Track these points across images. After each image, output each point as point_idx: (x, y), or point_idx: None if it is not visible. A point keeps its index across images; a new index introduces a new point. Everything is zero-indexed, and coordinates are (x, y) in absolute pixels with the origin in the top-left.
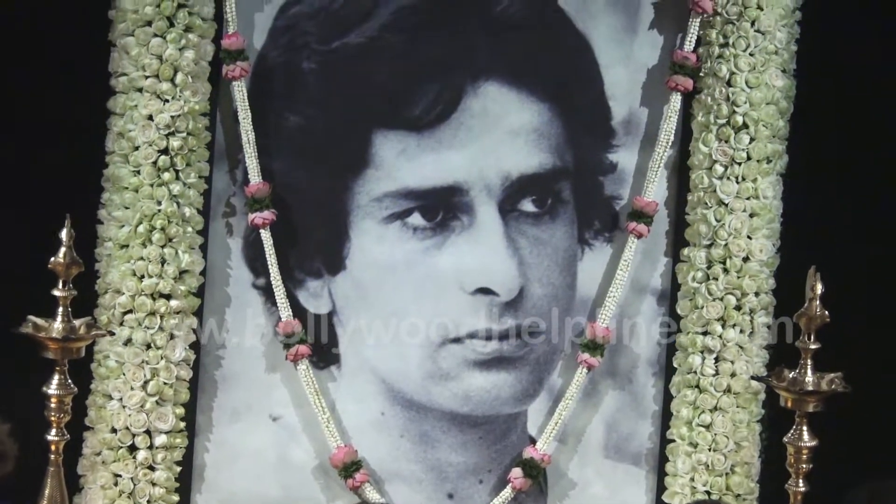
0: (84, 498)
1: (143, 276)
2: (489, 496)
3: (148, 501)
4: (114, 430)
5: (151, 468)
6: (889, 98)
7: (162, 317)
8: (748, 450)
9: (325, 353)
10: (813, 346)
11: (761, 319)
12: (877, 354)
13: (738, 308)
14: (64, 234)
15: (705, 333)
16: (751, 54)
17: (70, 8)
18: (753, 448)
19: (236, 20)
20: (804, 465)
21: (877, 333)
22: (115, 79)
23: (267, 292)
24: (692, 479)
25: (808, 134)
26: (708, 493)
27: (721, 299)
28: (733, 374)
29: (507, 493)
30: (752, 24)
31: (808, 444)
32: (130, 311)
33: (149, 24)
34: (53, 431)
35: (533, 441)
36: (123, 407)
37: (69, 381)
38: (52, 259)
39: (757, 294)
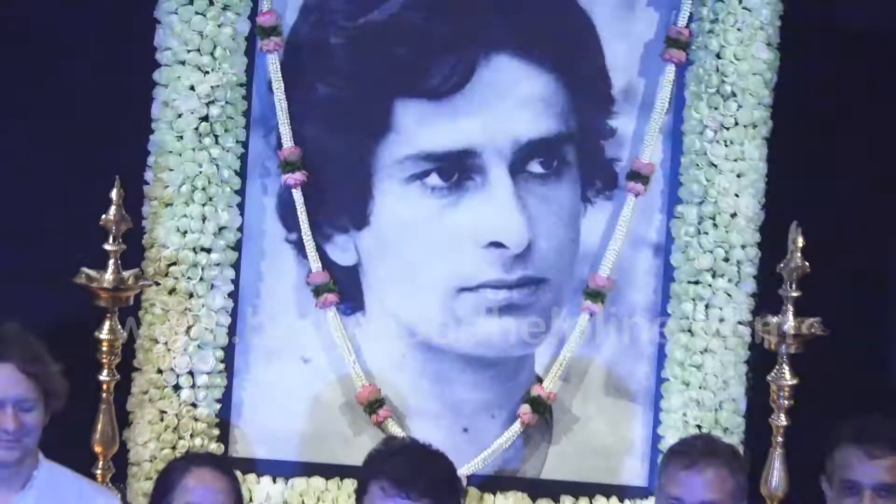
0: (133, 432)
1: (185, 232)
2: (500, 430)
3: (191, 435)
4: (160, 371)
5: (194, 405)
6: (863, 70)
7: (203, 268)
8: (735, 387)
9: (351, 301)
10: (794, 294)
11: (747, 270)
12: (852, 301)
13: (726, 260)
14: (114, 194)
15: (697, 283)
16: (738, 29)
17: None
18: (740, 386)
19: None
20: (786, 402)
21: (852, 283)
22: (161, 53)
23: (298, 246)
24: (684, 415)
25: (790, 102)
26: (699, 426)
27: (711, 252)
28: (722, 320)
29: (516, 427)
30: (740, 1)
31: (790, 383)
32: (174, 264)
33: (191, 2)
34: (105, 372)
35: (540, 380)
36: (168, 350)
37: (119, 326)
38: (104, 216)
39: (743, 247)
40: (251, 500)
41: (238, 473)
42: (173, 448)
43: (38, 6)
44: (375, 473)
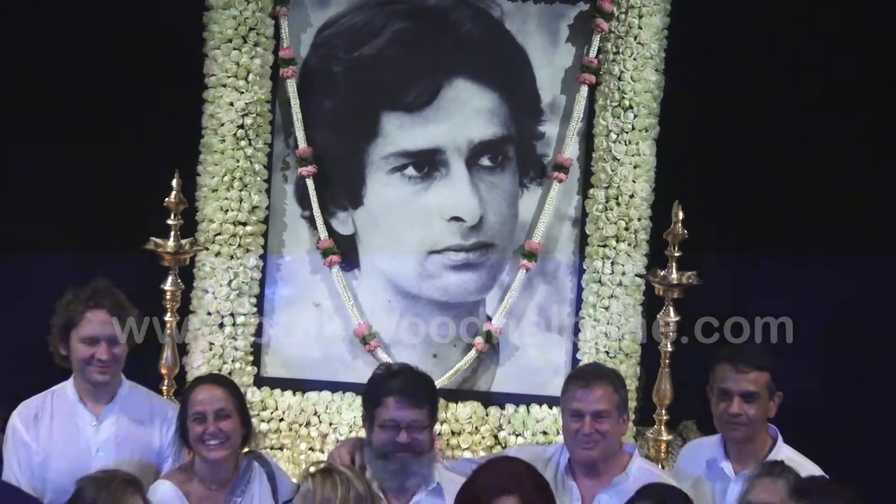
0: (189, 359)
1: (227, 210)
2: (460, 356)
3: (232, 360)
4: (209, 314)
5: (234, 338)
6: (728, 87)
7: (240, 237)
8: (634, 323)
9: (349, 261)
10: (676, 254)
11: (642, 237)
12: (720, 259)
13: (626, 229)
14: (175, 183)
15: (604, 246)
16: (634, 59)
17: (177, 32)
18: (637, 322)
19: (289, 38)
20: (671, 334)
21: (719, 245)
22: (208, 78)
23: (310, 221)
24: (596, 344)
25: (673, 112)
26: (606, 352)
27: (615, 223)
28: (623, 273)
29: (472, 353)
30: (635, 38)
31: (673, 319)
32: (219, 234)
33: (230, 41)
34: (169, 315)
35: (489, 319)
36: (215, 298)
37: (179, 280)
38: (167, 199)
39: (639, 220)
40: (276, 408)
41: (267, 389)
42: (219, 370)
43: (120, 43)
44: (387, 390)
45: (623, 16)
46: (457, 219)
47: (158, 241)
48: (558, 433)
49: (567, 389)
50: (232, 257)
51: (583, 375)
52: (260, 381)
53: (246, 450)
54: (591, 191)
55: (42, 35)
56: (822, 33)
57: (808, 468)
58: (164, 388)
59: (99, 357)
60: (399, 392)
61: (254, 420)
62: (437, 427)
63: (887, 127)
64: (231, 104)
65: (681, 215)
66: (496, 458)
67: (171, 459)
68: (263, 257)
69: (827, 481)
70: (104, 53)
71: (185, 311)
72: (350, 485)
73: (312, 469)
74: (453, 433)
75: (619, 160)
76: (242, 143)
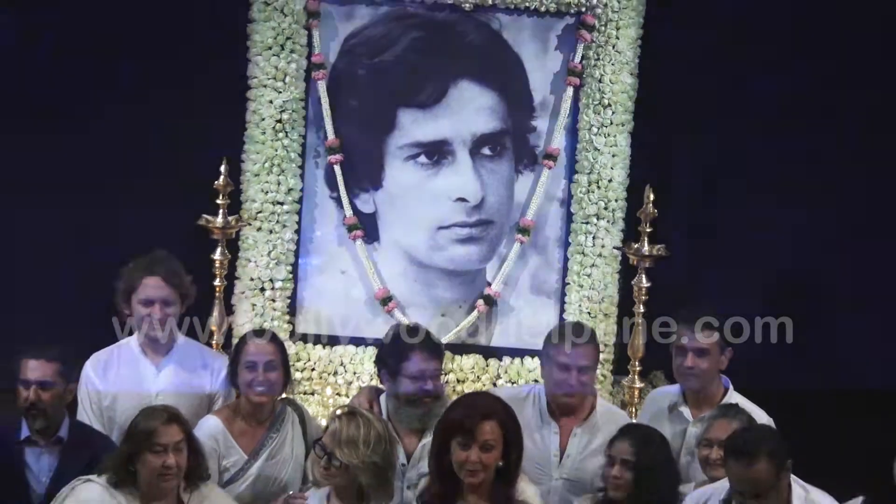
0: (235, 318)
1: (267, 192)
2: (465, 315)
3: (271, 319)
4: (251, 279)
5: (273, 300)
6: (689, 90)
7: (278, 214)
8: (611, 289)
9: (371, 235)
10: (648, 230)
11: (619, 215)
12: (686, 234)
13: (605, 209)
14: (223, 169)
15: (587, 223)
16: (612, 64)
17: (225, 41)
18: (615, 288)
19: (320, 46)
20: (643, 297)
21: (687, 222)
22: (251, 80)
23: (337, 201)
24: (580, 306)
25: (645, 109)
26: (588, 313)
27: (596, 203)
28: (603, 246)
29: (474, 314)
30: (613, 47)
31: (645, 285)
32: (260, 212)
33: (270, 48)
34: (217, 280)
35: (489, 284)
36: (256, 266)
37: (226, 251)
38: (217, 182)
39: (616, 200)
40: (308, 359)
41: (300, 343)
42: (260, 326)
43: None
44: (412, 347)
45: (603, 28)
46: (462, 199)
47: (209, 217)
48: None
49: (556, 345)
50: (271, 231)
51: (572, 329)
52: (294, 337)
53: (283, 396)
54: (576, 176)
55: (111, 43)
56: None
57: (756, 412)
58: (214, 342)
59: (154, 316)
60: (423, 348)
61: (291, 369)
62: (444, 376)
63: (846, 121)
64: (270, 102)
65: (651, 197)
66: (474, 392)
67: (220, 401)
68: (298, 232)
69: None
70: (167, 61)
71: (231, 277)
72: (371, 425)
73: (338, 412)
74: (458, 381)
75: (599, 150)
76: (280, 134)
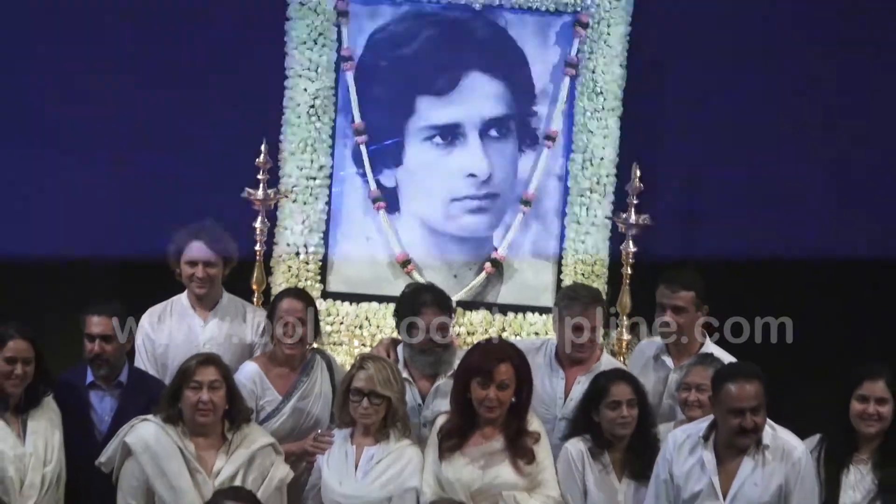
0: (274, 277)
1: (302, 168)
2: (474, 276)
3: (305, 279)
4: (288, 244)
5: (306, 263)
6: (672, 79)
7: (311, 188)
8: (603, 253)
9: (392, 206)
10: (635, 202)
11: (609, 189)
12: (670, 204)
13: (598, 183)
14: (263, 148)
15: (581, 196)
16: (604, 57)
17: (266, 37)
18: (605, 252)
19: (348, 41)
20: (630, 260)
21: (670, 193)
22: (288, 70)
23: (363, 177)
24: (574, 268)
25: (632, 96)
26: (582, 275)
27: (589, 179)
28: (595, 216)
29: (483, 275)
30: (605, 42)
31: (632, 250)
32: (296, 186)
33: (304, 43)
34: (258, 245)
35: (496, 249)
36: (292, 233)
37: (266, 220)
38: (258, 160)
39: (607, 176)
40: (337, 314)
41: (330, 300)
42: (295, 285)
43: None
44: (423, 302)
45: (596, 25)
46: (472, 175)
47: (251, 190)
48: (547, 333)
49: (566, 304)
50: (305, 203)
51: (581, 296)
52: (325, 295)
53: (315, 345)
54: (572, 155)
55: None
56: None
57: (728, 360)
58: (255, 299)
59: (198, 276)
60: (432, 303)
61: (321, 323)
62: (456, 329)
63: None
64: (305, 90)
65: (638, 173)
66: (491, 338)
67: (258, 350)
68: (328, 203)
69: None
70: (217, 54)
71: (270, 243)
72: (389, 369)
73: (361, 359)
74: (468, 334)
75: (592, 132)
76: (313, 118)
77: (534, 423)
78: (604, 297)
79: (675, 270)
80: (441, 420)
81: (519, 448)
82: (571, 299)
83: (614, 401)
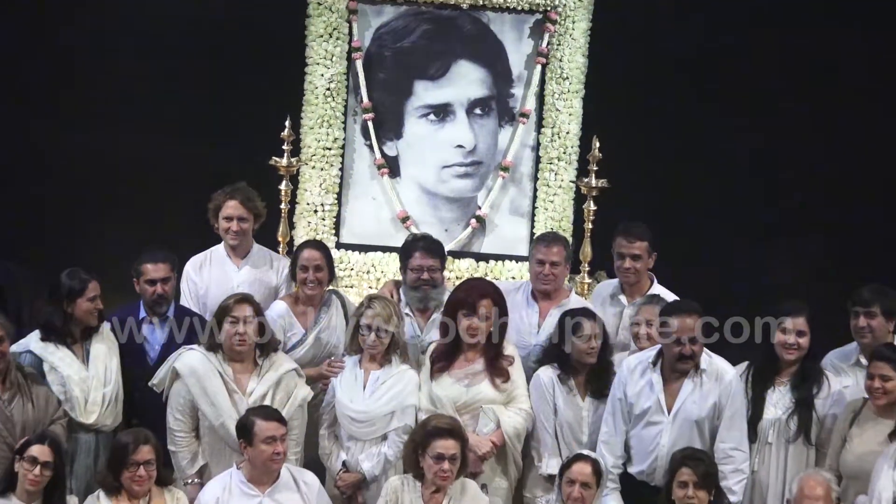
0: (296, 231)
1: (319, 140)
2: (462, 230)
3: (322, 232)
4: (308, 204)
5: (322, 219)
6: (627, 66)
7: (327, 157)
8: (568, 211)
9: (394, 172)
10: (595, 168)
11: (574, 157)
12: (626, 169)
13: (564, 153)
14: (287, 123)
15: (550, 163)
16: (569, 48)
17: (290, 33)
18: (570, 210)
19: (358, 34)
20: (591, 217)
21: (627, 160)
22: (308, 58)
23: (370, 147)
24: (545, 224)
25: (593, 79)
26: (552, 229)
27: (557, 149)
28: (562, 180)
29: (469, 230)
30: (570, 35)
31: (593, 209)
32: (314, 155)
33: (321, 36)
34: (283, 204)
35: (479, 207)
36: (311, 194)
37: (289, 183)
38: (282, 133)
39: (572, 147)
40: (349, 262)
41: (343, 250)
42: (315, 238)
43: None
44: (415, 247)
45: (563, 22)
46: (460, 146)
47: (277, 158)
48: (522, 277)
49: (535, 246)
50: (322, 169)
51: (546, 238)
52: (339, 245)
53: (330, 288)
54: (542, 129)
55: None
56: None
57: (671, 298)
58: (280, 249)
59: (233, 229)
60: (422, 248)
61: (335, 269)
62: (447, 274)
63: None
64: (321, 75)
65: (597, 145)
66: (475, 277)
67: (283, 291)
68: (341, 169)
69: (680, 300)
70: (249, 46)
71: (292, 202)
72: (392, 307)
73: (368, 299)
74: (457, 278)
75: (559, 110)
76: (329, 99)
77: (509, 349)
78: (568, 244)
79: (630, 224)
80: (432, 346)
81: (496, 369)
82: (539, 240)
83: (585, 335)
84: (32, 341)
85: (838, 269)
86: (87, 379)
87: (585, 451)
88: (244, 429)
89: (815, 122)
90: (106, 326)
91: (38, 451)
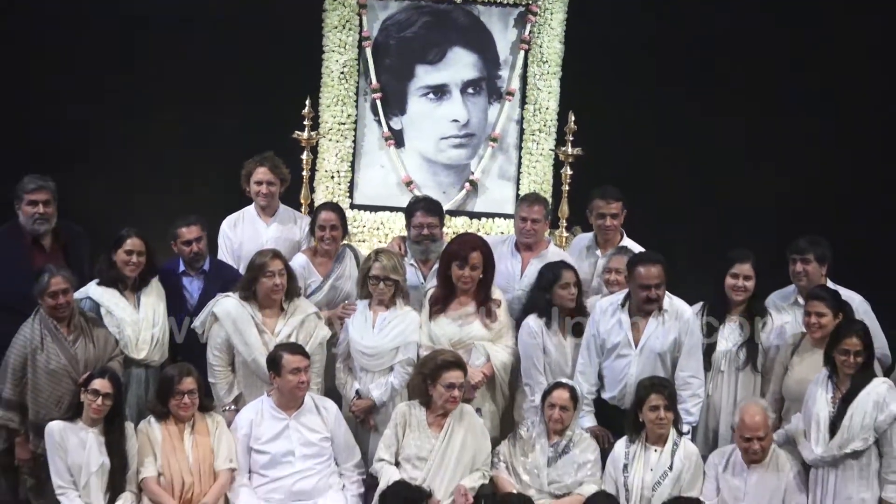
0: (315, 195)
1: (335, 116)
2: (457, 192)
3: (337, 196)
4: (326, 171)
5: (339, 183)
6: (601, 51)
7: (341, 131)
8: (548, 175)
9: (399, 142)
10: (570, 139)
11: (552, 129)
12: (602, 137)
13: (544, 125)
14: (307, 103)
15: (533, 134)
16: (548, 36)
17: (310, 23)
18: (549, 173)
19: (367, 25)
20: (568, 181)
21: (600, 130)
22: (325, 46)
23: (378, 122)
24: (529, 187)
25: (569, 62)
26: (535, 191)
27: (539, 122)
28: (543, 149)
29: (463, 192)
30: (549, 24)
31: (570, 174)
32: (331, 129)
33: (336, 27)
34: (305, 171)
35: (472, 173)
36: (328, 162)
37: (310, 153)
38: (303, 111)
39: (551, 120)
40: (361, 221)
41: (356, 210)
42: (331, 199)
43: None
44: (416, 207)
45: (542, 13)
46: (455, 121)
47: (299, 132)
48: (509, 233)
49: (519, 205)
50: (337, 141)
51: (528, 198)
52: (352, 206)
53: (344, 242)
54: (526, 105)
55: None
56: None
57: (638, 249)
58: (302, 209)
59: (262, 192)
60: (423, 208)
61: (349, 226)
62: (445, 230)
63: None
64: (336, 60)
65: (573, 118)
66: (466, 232)
67: (304, 245)
68: (354, 141)
69: (646, 252)
70: (274, 37)
71: (313, 169)
72: (397, 259)
73: (376, 252)
74: (454, 233)
75: (540, 89)
76: (342, 81)
77: (496, 293)
78: (548, 203)
79: (607, 188)
80: (430, 292)
81: (486, 311)
82: (523, 200)
83: (565, 283)
84: (91, 288)
85: (780, 223)
86: (138, 321)
87: (564, 380)
88: (273, 362)
89: (755, 92)
90: (154, 279)
91: (100, 384)
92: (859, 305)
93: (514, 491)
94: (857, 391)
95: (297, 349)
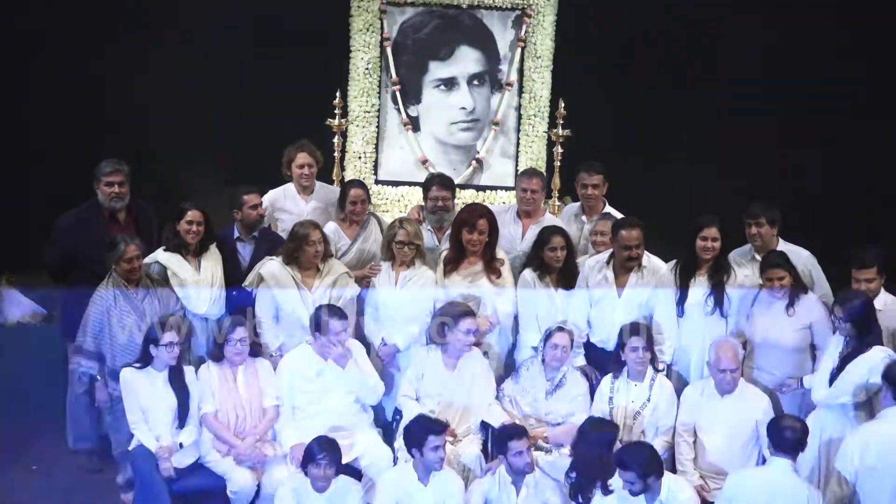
0: (346, 173)
1: (361, 105)
2: (466, 168)
3: (363, 173)
4: (353, 152)
5: (365, 162)
6: (589, 46)
7: (367, 117)
8: (542, 154)
9: (416, 128)
10: (561, 122)
11: (545, 114)
12: (591, 121)
13: (539, 111)
14: (338, 94)
15: (529, 118)
16: (541, 35)
17: (339, 26)
18: (543, 151)
19: (388, 27)
20: (559, 158)
21: (588, 115)
22: (352, 46)
23: (398, 110)
24: (527, 162)
25: (561, 56)
26: (532, 166)
27: (534, 109)
28: (537, 131)
29: (471, 168)
30: (542, 25)
31: (561, 152)
32: (358, 116)
33: (361, 29)
34: (336, 152)
35: (478, 152)
36: (356, 144)
37: (340, 137)
38: (334, 101)
39: (545, 107)
40: (385, 194)
41: (381, 185)
42: (359, 177)
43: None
44: (434, 182)
45: (536, 15)
46: (463, 108)
47: (331, 120)
48: (511, 203)
49: (519, 178)
50: (363, 127)
51: (527, 172)
52: (377, 182)
53: (369, 211)
54: (523, 94)
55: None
56: None
57: (618, 215)
58: (335, 185)
59: (304, 174)
60: (438, 183)
61: (373, 199)
62: (456, 201)
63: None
64: (362, 58)
65: (563, 105)
66: (475, 202)
67: (334, 214)
68: (377, 126)
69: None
70: (310, 40)
71: (343, 151)
72: (417, 226)
73: (399, 221)
74: (463, 204)
75: (535, 80)
76: (367, 75)
77: (500, 254)
78: (544, 177)
79: (590, 163)
80: (444, 254)
81: (491, 269)
82: (522, 174)
83: (553, 246)
84: (159, 254)
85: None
86: (199, 281)
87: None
88: (318, 324)
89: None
90: (212, 245)
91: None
92: (807, 259)
93: (515, 421)
94: (857, 355)
95: (335, 311)
